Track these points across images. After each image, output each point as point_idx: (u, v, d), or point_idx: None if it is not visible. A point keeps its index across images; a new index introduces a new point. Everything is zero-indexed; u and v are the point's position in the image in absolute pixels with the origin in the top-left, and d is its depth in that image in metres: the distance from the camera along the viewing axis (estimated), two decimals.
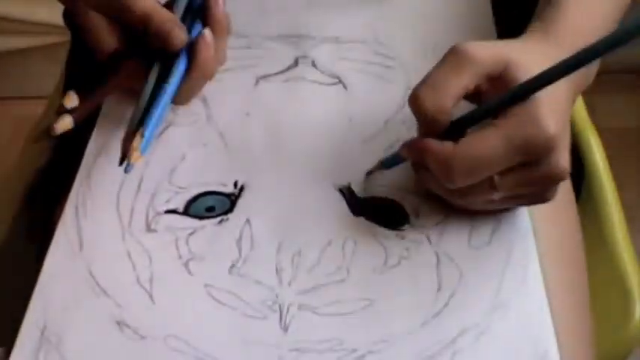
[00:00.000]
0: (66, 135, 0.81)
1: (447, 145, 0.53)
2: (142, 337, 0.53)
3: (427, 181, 0.57)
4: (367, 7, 0.75)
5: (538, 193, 0.55)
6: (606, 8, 0.62)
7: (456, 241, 0.58)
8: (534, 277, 0.56)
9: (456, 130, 0.54)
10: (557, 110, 0.52)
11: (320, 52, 0.71)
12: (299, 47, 0.72)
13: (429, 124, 0.54)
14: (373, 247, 0.58)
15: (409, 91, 0.67)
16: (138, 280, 0.56)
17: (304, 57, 0.71)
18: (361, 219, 0.59)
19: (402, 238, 0.58)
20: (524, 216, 0.59)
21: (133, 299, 0.55)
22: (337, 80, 0.69)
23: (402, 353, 0.52)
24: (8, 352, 0.53)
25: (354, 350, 0.52)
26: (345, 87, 0.69)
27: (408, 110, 0.63)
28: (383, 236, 0.58)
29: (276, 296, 0.55)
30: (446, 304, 0.54)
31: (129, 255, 0.57)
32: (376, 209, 0.60)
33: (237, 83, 0.69)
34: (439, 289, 0.55)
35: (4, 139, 1.71)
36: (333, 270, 0.56)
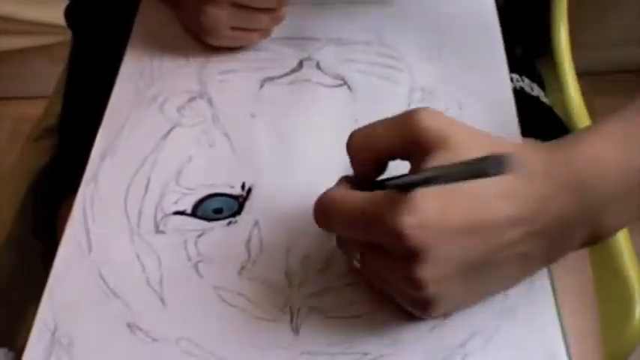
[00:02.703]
0: (67, 134, 0.82)
1: (335, 188, 0.52)
2: (154, 340, 0.53)
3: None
4: (371, 8, 0.76)
5: (407, 294, 0.50)
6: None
7: None
8: (542, 280, 0.56)
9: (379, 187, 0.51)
10: (442, 220, 0.46)
11: (325, 54, 0.71)
12: (304, 49, 0.72)
13: (352, 165, 0.53)
14: None
15: (414, 93, 0.68)
16: (148, 282, 0.56)
17: (309, 59, 0.71)
18: None
19: None
20: None
21: (143, 301, 0.55)
22: (342, 82, 0.69)
23: (412, 356, 0.52)
24: (19, 355, 0.53)
25: (365, 354, 0.52)
26: (349, 88, 0.69)
27: None
28: None
29: (287, 299, 0.55)
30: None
31: (138, 257, 0.57)
32: None
33: (243, 85, 0.69)
34: None
35: (4, 139, 1.70)
36: (343, 272, 0.56)
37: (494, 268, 0.49)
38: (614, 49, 1.52)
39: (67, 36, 0.94)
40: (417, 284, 0.47)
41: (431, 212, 0.45)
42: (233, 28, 0.69)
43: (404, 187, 0.47)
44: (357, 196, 0.49)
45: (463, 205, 0.46)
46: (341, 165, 0.62)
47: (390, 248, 0.47)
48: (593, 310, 0.68)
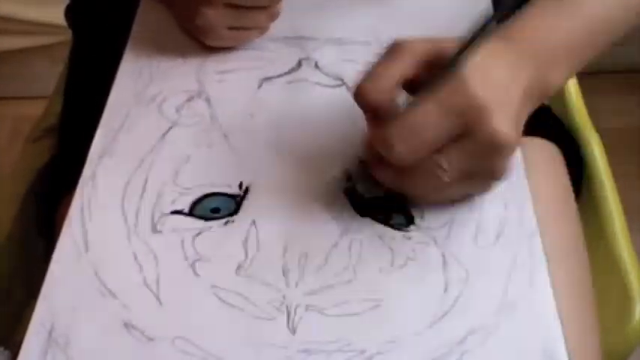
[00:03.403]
0: (67, 134, 0.82)
1: (386, 126, 0.54)
2: (150, 339, 0.53)
3: (384, 178, 0.58)
4: (370, 8, 0.76)
5: (486, 169, 0.55)
6: (572, 24, 0.62)
7: (462, 241, 0.58)
8: (541, 276, 0.56)
9: None
10: (488, 81, 0.53)
11: (323, 54, 0.71)
12: (302, 49, 0.72)
13: (375, 112, 0.56)
14: (379, 248, 0.58)
15: None
16: (145, 282, 0.56)
17: (307, 59, 0.71)
18: (367, 220, 0.59)
19: (409, 239, 0.58)
20: (531, 215, 0.59)
21: (140, 301, 0.55)
22: (340, 82, 0.69)
23: (410, 354, 0.52)
24: (15, 355, 0.53)
25: (363, 351, 0.52)
26: (348, 88, 0.69)
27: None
28: (389, 237, 0.58)
29: (284, 297, 0.55)
30: (453, 305, 0.54)
31: (135, 256, 0.57)
32: (382, 210, 0.60)
33: (241, 85, 0.69)
34: (446, 290, 0.55)
35: (4, 139, 1.70)
36: (340, 271, 0.56)
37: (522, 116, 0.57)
38: (614, 49, 1.52)
39: (67, 36, 0.94)
40: (500, 138, 0.53)
41: (480, 81, 0.53)
42: (230, 28, 0.69)
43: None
44: (422, 108, 0.53)
45: (488, 73, 0.54)
46: (339, 164, 0.62)
47: (471, 122, 0.53)
48: (591, 307, 0.68)
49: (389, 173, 0.57)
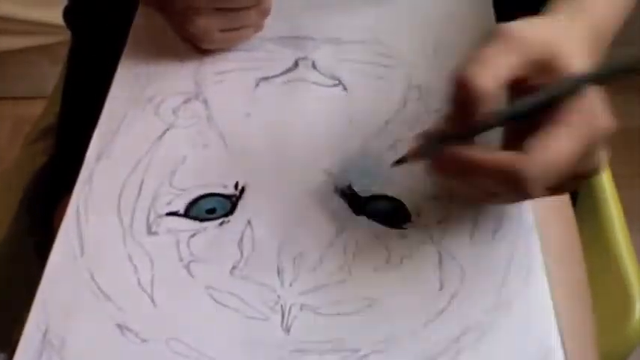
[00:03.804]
0: (65, 135, 0.82)
1: (510, 155, 0.49)
2: (144, 341, 0.53)
3: (462, 190, 0.56)
4: (367, 7, 0.76)
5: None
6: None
7: (458, 239, 0.58)
8: (538, 274, 0.56)
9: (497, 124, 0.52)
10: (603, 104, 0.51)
11: (320, 54, 0.71)
12: (299, 49, 0.72)
13: (473, 104, 0.50)
14: (375, 247, 0.58)
15: (409, 91, 0.68)
16: (139, 283, 0.56)
17: (304, 58, 0.71)
18: (362, 218, 0.59)
19: (404, 237, 0.58)
20: (527, 213, 0.59)
21: (134, 302, 0.55)
22: (337, 82, 0.69)
23: (405, 353, 0.52)
24: (10, 356, 0.53)
25: (357, 350, 0.52)
26: (345, 88, 0.69)
27: (408, 110, 0.64)
28: (385, 235, 0.58)
29: (278, 297, 0.55)
30: (449, 303, 0.54)
31: (130, 258, 0.57)
32: (377, 208, 0.60)
33: (238, 85, 0.69)
34: (442, 288, 0.55)
35: (4, 139, 1.71)
36: (335, 270, 0.56)
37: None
38: (614, 49, 1.52)
39: (67, 36, 0.94)
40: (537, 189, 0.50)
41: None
42: (222, 31, 0.69)
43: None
44: (562, 132, 0.49)
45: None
46: (335, 164, 0.62)
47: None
48: (588, 306, 0.68)
49: (477, 191, 0.55)
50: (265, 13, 0.70)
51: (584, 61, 0.51)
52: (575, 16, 0.55)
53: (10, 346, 0.68)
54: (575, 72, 0.50)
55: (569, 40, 0.52)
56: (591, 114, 0.50)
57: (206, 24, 0.68)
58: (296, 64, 0.71)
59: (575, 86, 0.50)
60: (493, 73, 0.49)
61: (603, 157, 0.53)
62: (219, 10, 0.68)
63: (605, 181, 0.82)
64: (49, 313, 0.54)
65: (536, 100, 0.50)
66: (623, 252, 0.79)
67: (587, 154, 0.50)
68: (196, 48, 0.71)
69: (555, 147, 0.48)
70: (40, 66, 1.64)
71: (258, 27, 0.71)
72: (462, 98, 0.50)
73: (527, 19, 0.52)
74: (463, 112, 0.51)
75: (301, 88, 0.69)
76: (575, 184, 0.55)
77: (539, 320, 0.54)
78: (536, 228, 0.59)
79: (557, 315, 0.54)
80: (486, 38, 0.51)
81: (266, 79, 0.70)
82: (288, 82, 0.69)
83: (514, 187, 0.49)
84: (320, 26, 0.74)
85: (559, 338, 0.53)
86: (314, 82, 0.69)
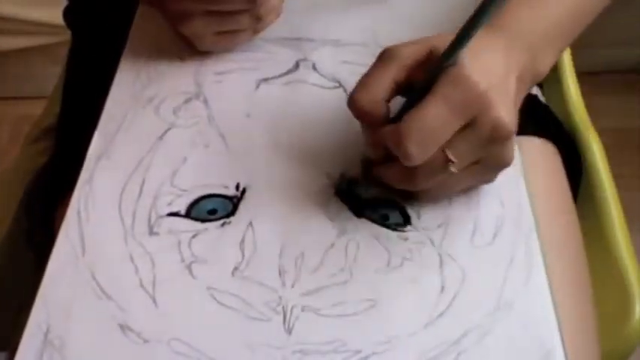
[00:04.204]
0: (66, 135, 0.82)
1: (393, 126, 0.54)
2: (146, 341, 0.53)
3: (390, 177, 0.58)
4: (367, 9, 0.76)
5: (493, 156, 0.56)
6: (558, 11, 0.64)
7: (458, 241, 0.58)
8: (538, 276, 0.56)
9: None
10: (486, 71, 0.54)
11: (321, 55, 0.71)
12: (300, 50, 0.72)
13: (370, 121, 0.57)
14: (376, 249, 0.58)
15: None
16: (141, 284, 0.56)
17: (305, 60, 0.71)
18: (363, 220, 0.59)
19: (405, 239, 0.58)
20: (528, 214, 0.59)
21: (135, 303, 0.55)
22: (338, 84, 0.69)
23: (406, 354, 0.52)
24: (11, 356, 0.53)
25: (358, 352, 0.52)
26: (345, 90, 0.69)
27: None
28: (385, 237, 0.58)
29: (280, 298, 0.55)
30: (449, 305, 0.54)
31: (131, 258, 0.57)
32: (378, 210, 0.60)
33: (238, 85, 0.69)
34: (442, 290, 0.55)
35: (4, 139, 1.71)
36: (336, 271, 0.56)
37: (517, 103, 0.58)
38: (614, 49, 1.52)
39: (67, 36, 0.94)
40: (503, 125, 0.54)
41: (481, 72, 0.54)
42: (217, 33, 0.69)
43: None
44: (430, 106, 0.53)
45: (485, 65, 0.55)
46: (336, 166, 0.62)
47: (476, 113, 0.53)
48: (589, 306, 0.68)
49: (395, 172, 0.57)
50: (259, 19, 0.69)
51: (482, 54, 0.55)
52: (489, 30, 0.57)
53: (11, 346, 0.68)
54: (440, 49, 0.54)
55: (448, 39, 0.54)
56: (456, 81, 0.53)
57: (199, 27, 0.68)
58: (296, 66, 0.71)
59: (443, 60, 0.53)
60: (373, 93, 0.56)
61: (506, 149, 0.56)
62: (212, 13, 0.67)
63: (605, 180, 0.82)
64: (51, 312, 0.54)
65: (416, 89, 0.55)
66: (623, 252, 0.79)
67: (471, 126, 0.54)
68: (196, 48, 0.71)
69: (423, 113, 0.53)
70: (40, 66, 1.64)
71: (256, 30, 0.71)
72: (357, 117, 0.57)
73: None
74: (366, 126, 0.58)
75: (302, 89, 0.69)
76: (487, 172, 0.58)
77: (539, 322, 0.54)
78: (536, 229, 0.59)
79: (559, 316, 0.54)
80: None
81: (266, 80, 0.70)
82: (288, 84, 0.69)
83: (400, 151, 0.54)
84: (320, 28, 0.74)
85: (560, 339, 0.53)
86: (314, 84, 0.69)
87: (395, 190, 0.59)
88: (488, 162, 0.57)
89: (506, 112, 0.54)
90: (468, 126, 0.54)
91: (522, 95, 0.59)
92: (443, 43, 0.54)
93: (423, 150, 0.53)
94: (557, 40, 0.64)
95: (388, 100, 0.56)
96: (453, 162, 0.54)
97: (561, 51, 0.66)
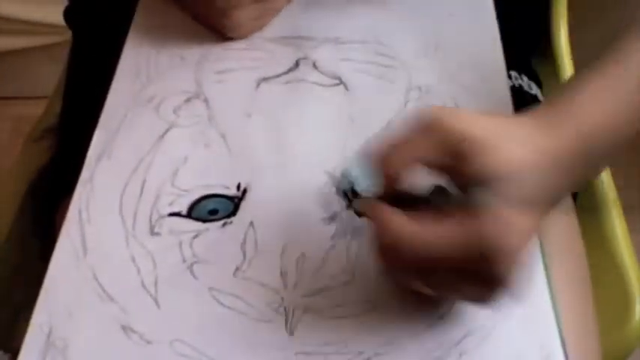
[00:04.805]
0: (66, 134, 0.82)
1: (402, 221, 0.49)
2: (148, 342, 0.53)
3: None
4: (367, 7, 0.75)
5: (483, 295, 0.50)
6: (622, 107, 0.54)
7: None
8: (538, 277, 0.56)
9: (407, 200, 0.51)
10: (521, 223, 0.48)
11: (321, 54, 0.71)
12: (300, 49, 0.72)
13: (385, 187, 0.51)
14: None
15: (410, 91, 0.68)
16: (143, 284, 0.56)
17: (305, 58, 0.71)
18: (365, 220, 0.59)
19: None
20: None
21: (138, 303, 0.55)
22: (338, 81, 0.69)
23: (408, 355, 0.52)
24: (14, 357, 0.53)
25: (360, 353, 0.52)
26: (346, 88, 0.69)
27: (409, 110, 0.64)
28: None
29: (282, 299, 0.55)
30: (451, 306, 0.54)
31: (133, 259, 0.57)
32: None
33: (239, 85, 0.69)
34: None
35: (4, 139, 1.70)
36: (338, 272, 0.56)
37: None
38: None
39: (67, 36, 0.94)
40: (506, 284, 0.48)
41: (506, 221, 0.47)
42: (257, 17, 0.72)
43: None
44: (452, 227, 0.47)
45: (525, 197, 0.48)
46: (337, 165, 0.62)
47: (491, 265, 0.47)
48: (590, 307, 0.68)
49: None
50: None
51: (518, 158, 0.48)
52: (548, 123, 0.51)
53: (12, 346, 0.68)
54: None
55: (501, 138, 0.48)
56: (491, 232, 0.46)
57: (243, 16, 0.69)
58: (297, 64, 0.71)
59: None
60: (396, 157, 0.49)
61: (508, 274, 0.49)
62: (257, 1, 0.69)
63: (606, 181, 0.82)
64: (53, 314, 0.54)
65: (438, 195, 0.51)
66: (623, 252, 0.79)
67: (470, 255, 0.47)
68: (196, 43, 0.72)
69: (437, 233, 0.47)
70: (40, 66, 1.64)
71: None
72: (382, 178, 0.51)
73: (461, 109, 0.52)
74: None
75: (302, 88, 0.69)
76: (476, 293, 0.51)
77: (539, 323, 0.54)
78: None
79: (560, 317, 0.54)
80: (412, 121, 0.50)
81: (267, 79, 0.70)
82: (289, 83, 0.69)
83: (387, 252, 0.50)
84: (320, 26, 0.74)
85: (560, 341, 0.53)
86: (315, 82, 0.69)
87: None
88: (469, 295, 0.51)
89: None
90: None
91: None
92: (495, 143, 0.48)
93: (390, 261, 0.50)
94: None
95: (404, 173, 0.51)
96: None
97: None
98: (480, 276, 0.47)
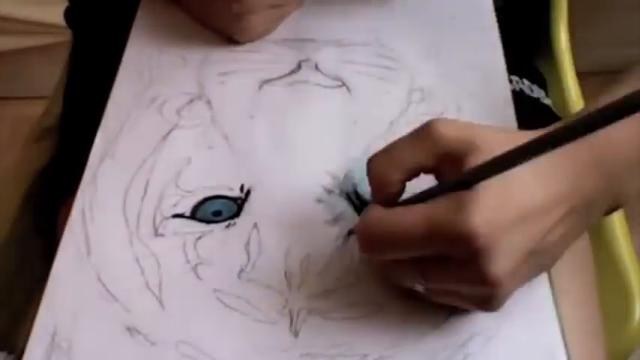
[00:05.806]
0: (67, 135, 0.82)
1: (377, 209, 0.50)
2: (153, 344, 0.53)
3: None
4: (369, 9, 0.76)
5: (476, 296, 0.50)
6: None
7: None
8: (541, 281, 0.56)
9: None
10: (502, 212, 0.47)
11: (323, 55, 0.71)
12: (302, 51, 0.72)
13: (376, 191, 0.52)
14: None
15: (412, 93, 0.68)
16: (147, 285, 0.56)
17: (307, 60, 0.71)
18: None
19: None
20: None
21: (142, 305, 0.55)
22: (340, 83, 0.69)
23: (413, 357, 0.52)
24: (18, 358, 0.53)
25: (365, 355, 0.52)
26: (348, 90, 0.69)
27: (412, 111, 0.64)
28: None
29: (286, 301, 0.55)
30: (455, 308, 0.54)
31: (137, 260, 0.57)
32: None
33: (241, 87, 0.69)
34: None
35: (4, 139, 1.70)
36: (342, 274, 0.56)
37: (547, 250, 0.50)
38: (614, 49, 1.53)
39: (67, 36, 0.94)
40: (492, 282, 0.47)
41: (493, 209, 0.46)
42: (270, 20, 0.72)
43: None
44: (413, 211, 0.48)
45: (512, 196, 0.47)
46: (340, 166, 0.62)
47: (459, 253, 0.47)
48: (595, 310, 0.68)
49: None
50: None
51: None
52: None
53: (12, 346, 0.68)
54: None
55: (498, 143, 0.47)
56: (454, 208, 0.47)
57: (258, 20, 0.70)
58: (299, 66, 0.71)
59: (460, 181, 0.48)
60: (391, 165, 0.50)
61: (495, 294, 0.48)
62: (272, 6, 0.70)
63: None
64: (57, 315, 0.54)
65: (425, 192, 0.50)
66: (623, 252, 0.80)
67: (450, 260, 0.48)
68: (199, 45, 0.72)
69: (401, 215, 0.49)
70: (40, 66, 1.63)
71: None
72: (371, 183, 0.52)
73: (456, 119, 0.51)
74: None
75: (305, 90, 0.69)
76: (468, 306, 0.52)
77: (542, 325, 0.54)
78: None
79: (565, 320, 0.54)
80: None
81: (269, 81, 0.70)
82: (291, 84, 0.69)
83: (360, 239, 0.51)
84: (322, 28, 0.74)
85: (562, 343, 0.53)
86: (317, 84, 0.69)
87: None
88: (471, 299, 0.51)
89: (502, 266, 0.47)
90: (449, 257, 0.48)
91: (583, 228, 0.52)
92: (490, 147, 0.47)
93: (380, 251, 0.50)
94: None
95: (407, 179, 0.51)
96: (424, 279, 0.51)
97: None
98: (458, 264, 0.48)
